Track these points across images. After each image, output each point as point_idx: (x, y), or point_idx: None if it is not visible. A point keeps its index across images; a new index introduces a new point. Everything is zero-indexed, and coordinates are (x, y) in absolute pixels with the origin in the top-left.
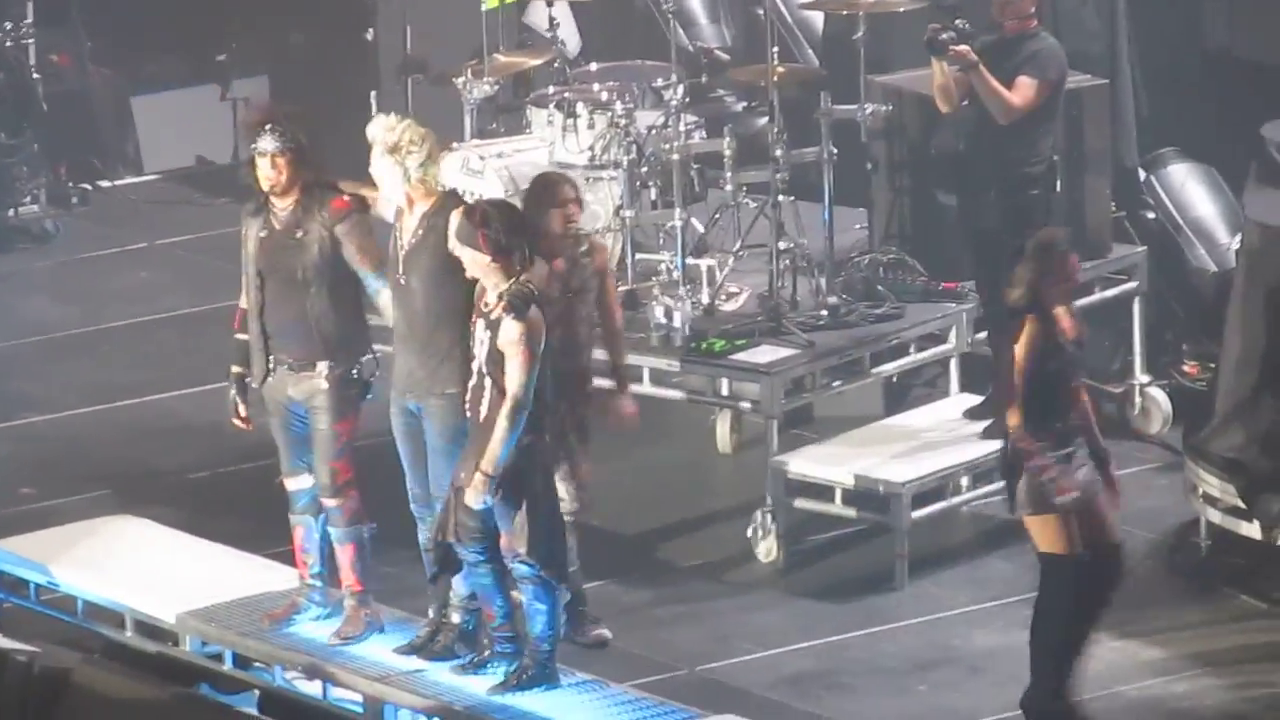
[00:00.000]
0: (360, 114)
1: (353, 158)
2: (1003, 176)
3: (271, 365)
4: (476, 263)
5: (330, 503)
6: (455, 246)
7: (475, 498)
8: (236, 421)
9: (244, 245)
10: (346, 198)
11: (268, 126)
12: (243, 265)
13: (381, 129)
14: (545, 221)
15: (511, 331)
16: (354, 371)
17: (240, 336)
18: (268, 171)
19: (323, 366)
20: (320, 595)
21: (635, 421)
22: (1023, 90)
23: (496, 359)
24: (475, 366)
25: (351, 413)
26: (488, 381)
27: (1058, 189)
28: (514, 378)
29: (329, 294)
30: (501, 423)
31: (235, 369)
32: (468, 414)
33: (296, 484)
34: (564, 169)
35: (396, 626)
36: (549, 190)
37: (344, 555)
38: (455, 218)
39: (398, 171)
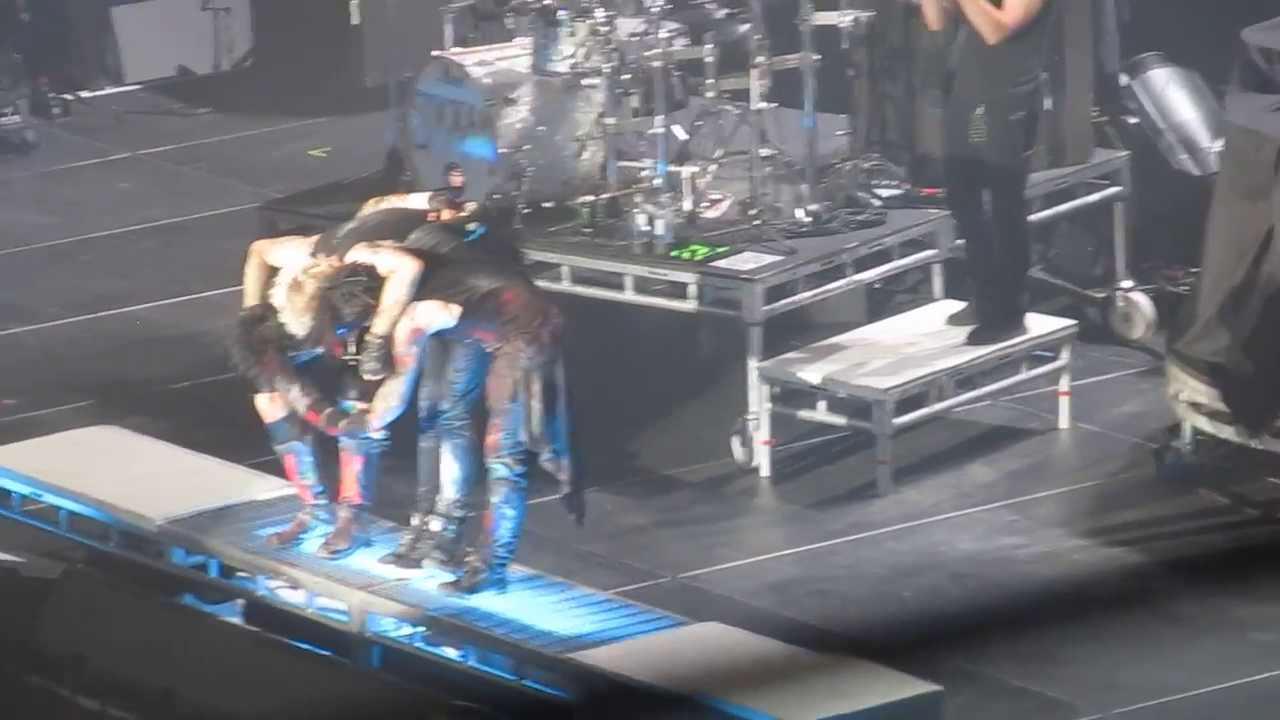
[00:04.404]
0: (341, 23)
1: (330, 70)
2: (989, 96)
3: None
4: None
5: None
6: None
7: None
8: None
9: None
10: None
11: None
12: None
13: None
14: None
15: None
16: None
17: None
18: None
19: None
20: (327, 513)
21: None
22: (1012, 9)
23: None
24: None
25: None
26: None
27: (1046, 107)
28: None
29: None
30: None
31: None
32: None
33: (272, 413)
34: (546, 76)
35: (383, 537)
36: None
37: (350, 466)
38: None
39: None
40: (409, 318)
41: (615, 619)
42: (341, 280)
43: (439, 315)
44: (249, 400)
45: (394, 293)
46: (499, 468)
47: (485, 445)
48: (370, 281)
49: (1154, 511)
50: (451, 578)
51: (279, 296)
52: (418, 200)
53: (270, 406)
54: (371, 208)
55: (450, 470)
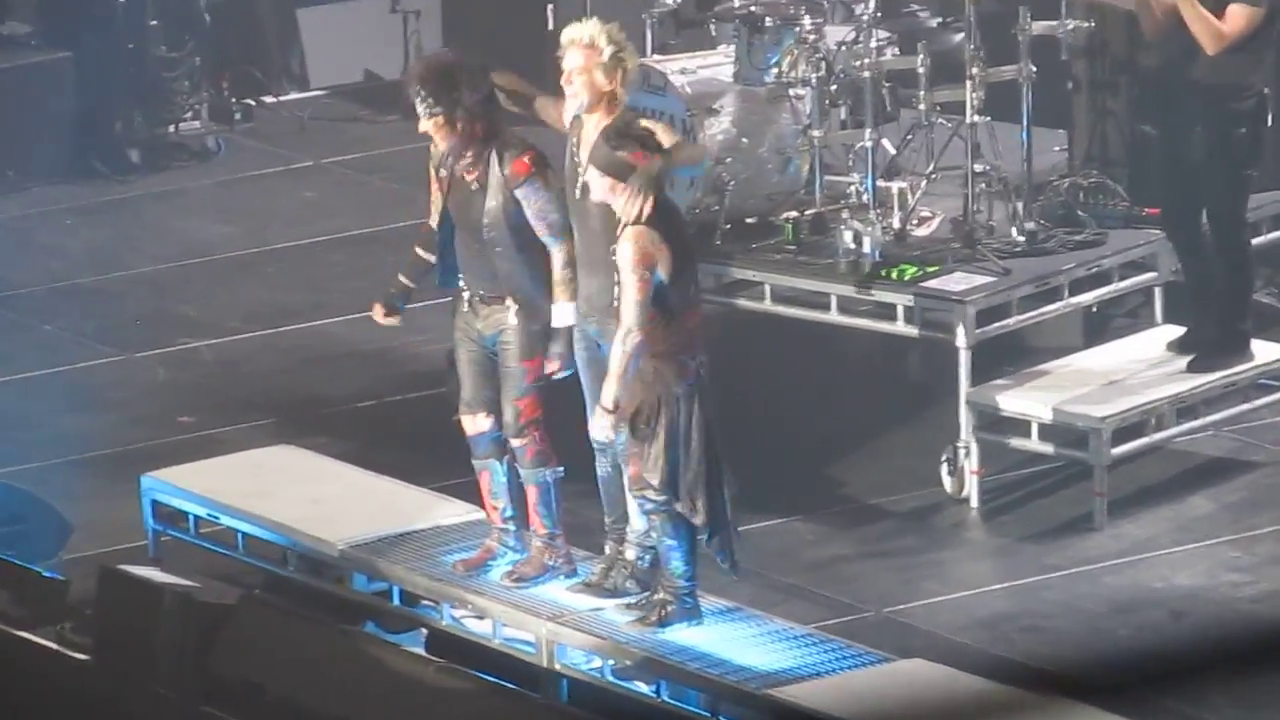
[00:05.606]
0: (537, 27)
1: (524, 76)
2: (1208, 111)
3: (465, 292)
4: (615, 189)
5: (515, 442)
6: (593, 173)
7: (597, 431)
8: (377, 317)
9: (431, 166)
10: (527, 159)
11: (416, 89)
12: (431, 186)
13: (582, 26)
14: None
15: (625, 255)
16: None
17: (420, 252)
18: (429, 131)
19: (512, 302)
20: (515, 540)
21: None
22: (1234, 19)
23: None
24: (615, 292)
25: (540, 350)
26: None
27: (1268, 124)
28: (625, 304)
29: (514, 249)
30: (615, 351)
31: (402, 279)
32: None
33: (475, 426)
34: (750, 86)
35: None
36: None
37: (529, 497)
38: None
39: (588, 70)
40: (639, 242)
41: (816, 654)
42: (632, 121)
43: (664, 263)
44: (436, 421)
45: (646, 175)
46: (645, 502)
47: (627, 479)
48: (649, 141)
49: None
50: (642, 610)
51: None
52: None
53: (473, 421)
54: None
55: (634, 500)
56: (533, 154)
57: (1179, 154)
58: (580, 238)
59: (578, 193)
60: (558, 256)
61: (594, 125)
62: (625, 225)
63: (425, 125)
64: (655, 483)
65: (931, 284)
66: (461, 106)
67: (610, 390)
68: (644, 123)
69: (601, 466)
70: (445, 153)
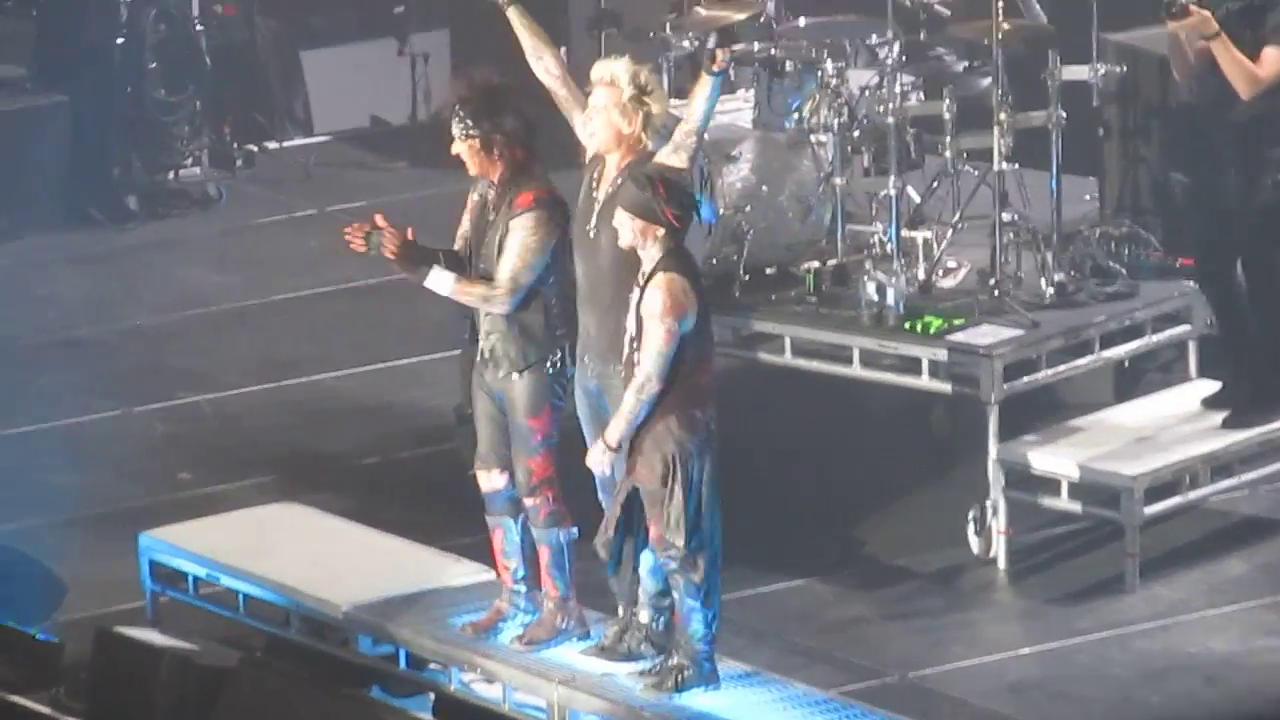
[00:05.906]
0: None
1: (537, 120)
2: (1243, 157)
3: (481, 341)
4: (645, 233)
5: (527, 502)
6: (622, 216)
7: (594, 463)
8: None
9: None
10: (534, 195)
11: (456, 108)
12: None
13: (609, 63)
14: None
15: (654, 304)
16: (548, 366)
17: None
18: (461, 154)
19: (515, 359)
20: (527, 601)
21: None
22: (1269, 62)
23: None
24: (627, 339)
25: (546, 406)
26: (637, 355)
27: None
28: (648, 353)
29: None
30: (629, 396)
31: (440, 250)
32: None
33: (489, 483)
34: (769, 131)
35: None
36: None
37: (541, 557)
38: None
39: (606, 109)
40: (671, 290)
41: None
42: (661, 171)
43: (692, 313)
44: (443, 478)
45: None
46: (669, 562)
47: (650, 540)
48: (670, 196)
49: None
50: (658, 675)
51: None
52: None
53: (488, 478)
54: None
55: (646, 559)
56: (544, 194)
57: (1213, 202)
58: (585, 274)
59: (590, 230)
60: (493, 295)
61: (615, 164)
62: (655, 271)
63: (459, 148)
64: (679, 543)
65: (958, 337)
66: (501, 131)
67: (616, 430)
68: (659, 161)
69: None
70: (478, 177)
